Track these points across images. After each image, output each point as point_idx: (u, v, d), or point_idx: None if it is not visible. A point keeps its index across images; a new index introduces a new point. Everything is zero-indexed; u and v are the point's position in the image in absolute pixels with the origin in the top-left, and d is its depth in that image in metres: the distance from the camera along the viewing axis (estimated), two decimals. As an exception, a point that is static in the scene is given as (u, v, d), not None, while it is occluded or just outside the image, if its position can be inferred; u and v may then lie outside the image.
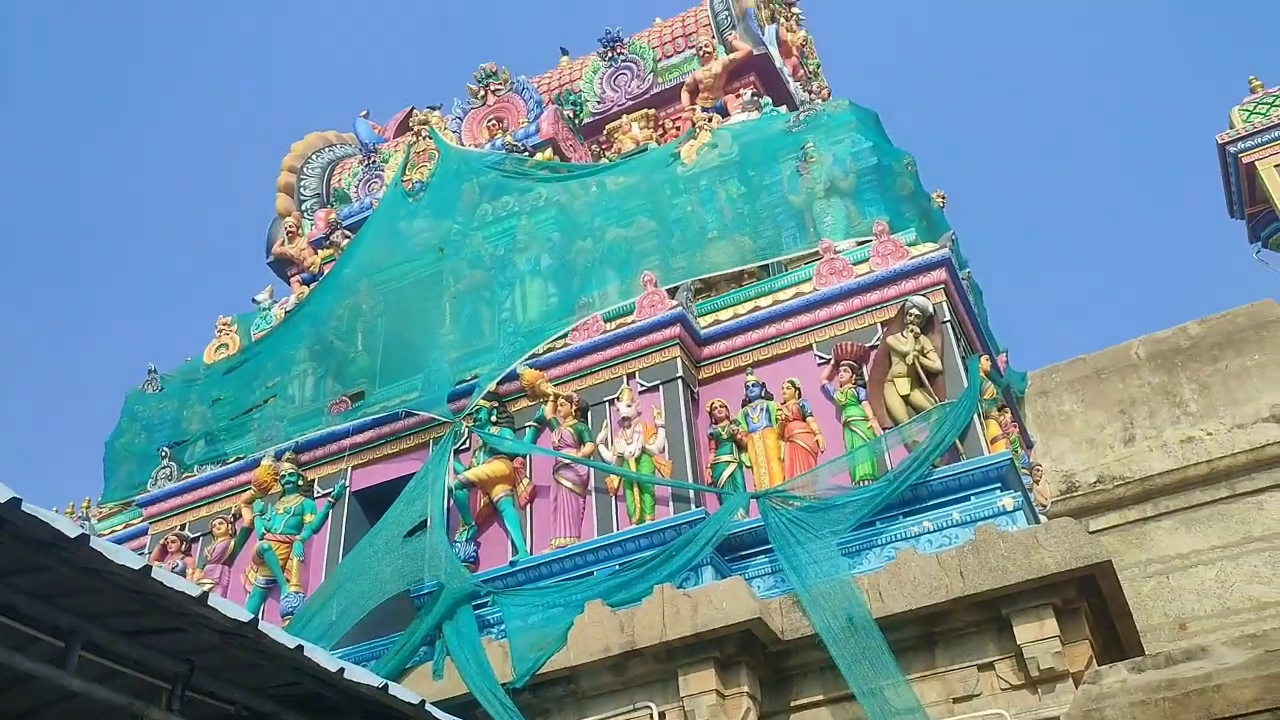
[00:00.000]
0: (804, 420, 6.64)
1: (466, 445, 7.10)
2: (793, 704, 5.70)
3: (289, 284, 9.48)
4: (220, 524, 7.73)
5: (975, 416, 6.34)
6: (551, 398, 6.98)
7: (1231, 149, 8.83)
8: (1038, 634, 5.31)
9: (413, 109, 9.95)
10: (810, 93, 9.95)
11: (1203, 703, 3.92)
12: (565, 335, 7.27)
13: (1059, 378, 8.69)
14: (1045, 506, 7.62)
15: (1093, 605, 5.55)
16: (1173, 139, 23.64)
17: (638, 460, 6.59)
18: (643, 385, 6.86)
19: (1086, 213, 27.12)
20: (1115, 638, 5.86)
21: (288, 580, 7.24)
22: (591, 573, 6.25)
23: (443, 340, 7.69)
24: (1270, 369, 7.91)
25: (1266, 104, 8.84)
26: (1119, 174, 27.10)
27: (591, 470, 6.69)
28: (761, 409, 6.77)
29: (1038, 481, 7.80)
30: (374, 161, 9.85)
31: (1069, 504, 7.86)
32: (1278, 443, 7.48)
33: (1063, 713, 4.46)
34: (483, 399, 7.09)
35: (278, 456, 7.71)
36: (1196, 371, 8.18)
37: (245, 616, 3.81)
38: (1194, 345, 8.33)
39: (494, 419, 7.07)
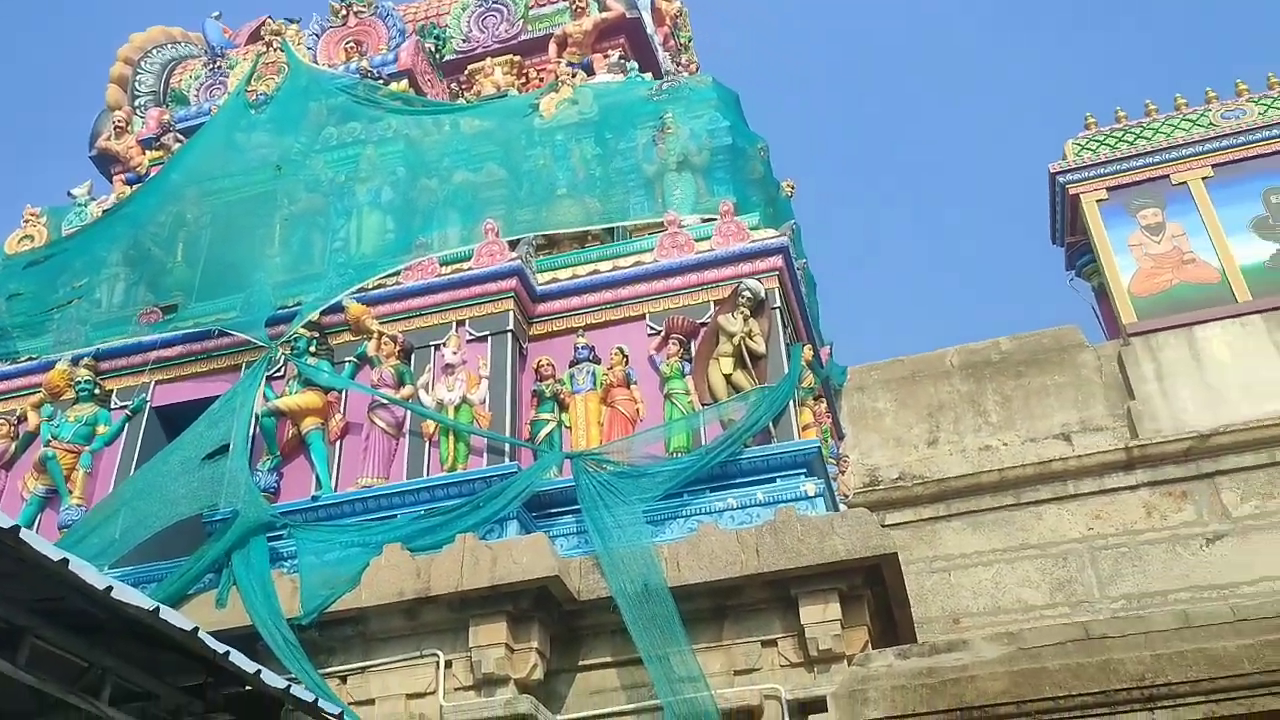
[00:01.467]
0: (628, 388, 6.69)
1: (281, 373, 6.86)
2: (580, 663, 5.76)
3: (110, 182, 8.92)
4: (1, 425, 7.25)
5: (791, 403, 6.52)
6: (375, 335, 6.80)
7: (1060, 179, 9.32)
8: (821, 616, 5.51)
9: (268, 18, 9.45)
10: (678, 65, 9.97)
11: (956, 691, 4.17)
12: (398, 273, 7.09)
13: (877, 376, 9.04)
14: (847, 496, 7.93)
15: (875, 593, 5.80)
16: (1020, 163, 24.82)
17: (457, 409, 6.51)
18: (471, 334, 6.77)
19: (928, 223, 28.27)
20: (893, 626, 6.14)
21: (70, 492, 6.85)
22: (395, 516, 6.16)
23: (268, 262, 7.38)
24: (1066, 390, 8.44)
25: (1097, 141, 9.37)
26: (967, 189, 28.32)
27: (408, 413, 6.57)
28: (588, 372, 6.79)
29: (844, 472, 8.10)
30: (219, 67, 9.33)
31: (870, 496, 8.20)
32: (1063, 459, 7.98)
33: (830, 691, 4.65)
34: (303, 327, 6.86)
35: (75, 361, 7.28)
36: (1001, 385, 8.64)
37: (6, 523, 3.57)
38: (1003, 360, 8.80)
39: (313, 349, 6.85)
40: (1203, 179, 8.94)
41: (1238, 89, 9.35)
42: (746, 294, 6.68)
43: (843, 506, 7.14)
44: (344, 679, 5.67)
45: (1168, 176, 9.06)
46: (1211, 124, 9.14)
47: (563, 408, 6.70)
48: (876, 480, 8.46)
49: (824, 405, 7.77)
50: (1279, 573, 7.21)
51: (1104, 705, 4.08)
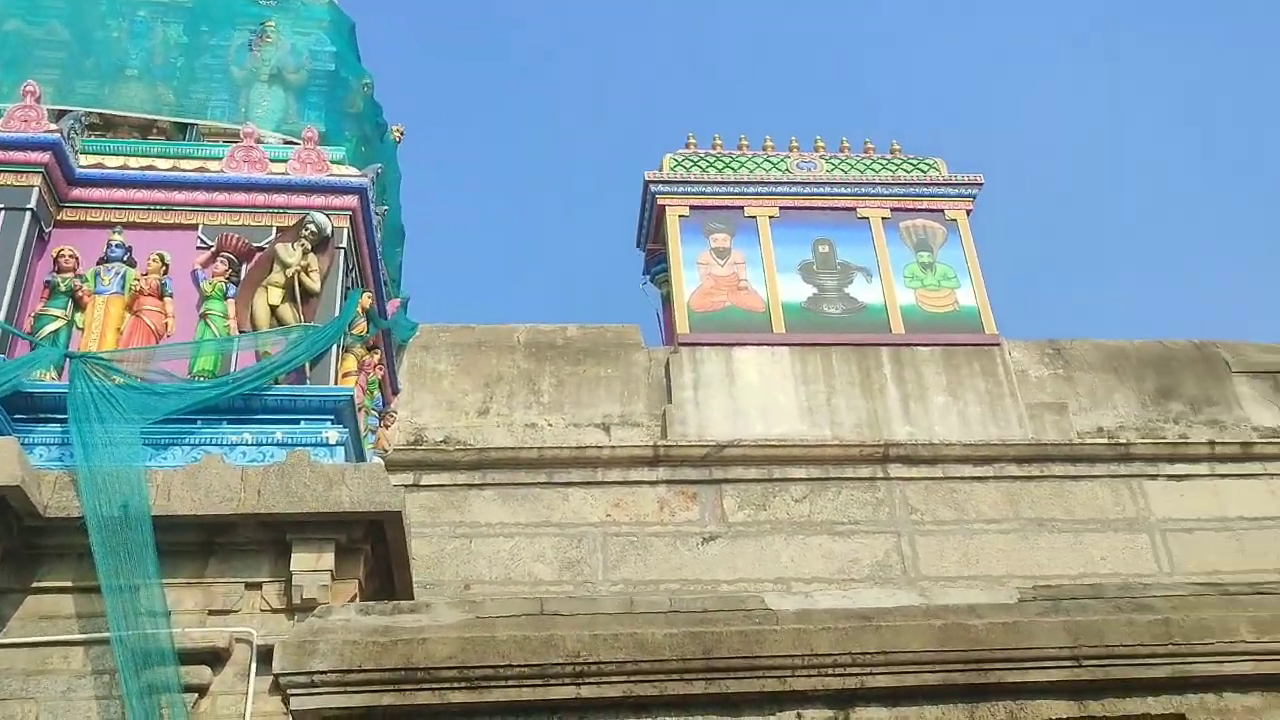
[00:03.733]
0: (161, 299, 6.19)
1: None
2: (35, 584, 5.24)
3: None
4: None
5: (335, 347, 6.36)
6: None
7: (653, 188, 9.87)
8: (313, 565, 5.39)
9: None
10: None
11: (406, 651, 4.24)
12: (-99, 118, 6.09)
13: (445, 338, 9.07)
14: (386, 451, 7.86)
15: (377, 550, 5.78)
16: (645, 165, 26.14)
17: (-56, 284, 5.69)
18: (-16, 204, 5.95)
19: (544, 205, 28.94)
20: (392, 585, 6.16)
21: None
22: None
23: None
24: (615, 384, 8.94)
25: (691, 161, 10.02)
26: (593, 179, 29.27)
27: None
28: (118, 273, 6.20)
29: (387, 427, 8.04)
30: None
31: (410, 455, 8.20)
32: (598, 447, 8.43)
33: (281, 639, 4.56)
34: None
35: None
36: (560, 368, 8.99)
37: None
38: (567, 345, 9.16)
39: None
40: (769, 217, 9.83)
41: (816, 144, 10.37)
42: (312, 227, 6.41)
43: (376, 459, 7.07)
44: None
45: (742, 208, 9.87)
46: (787, 170, 10.07)
47: (79, 306, 6.07)
48: (421, 440, 8.48)
49: (378, 357, 7.67)
50: (753, 575, 8.08)
51: (539, 677, 4.32)
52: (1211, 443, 9.05)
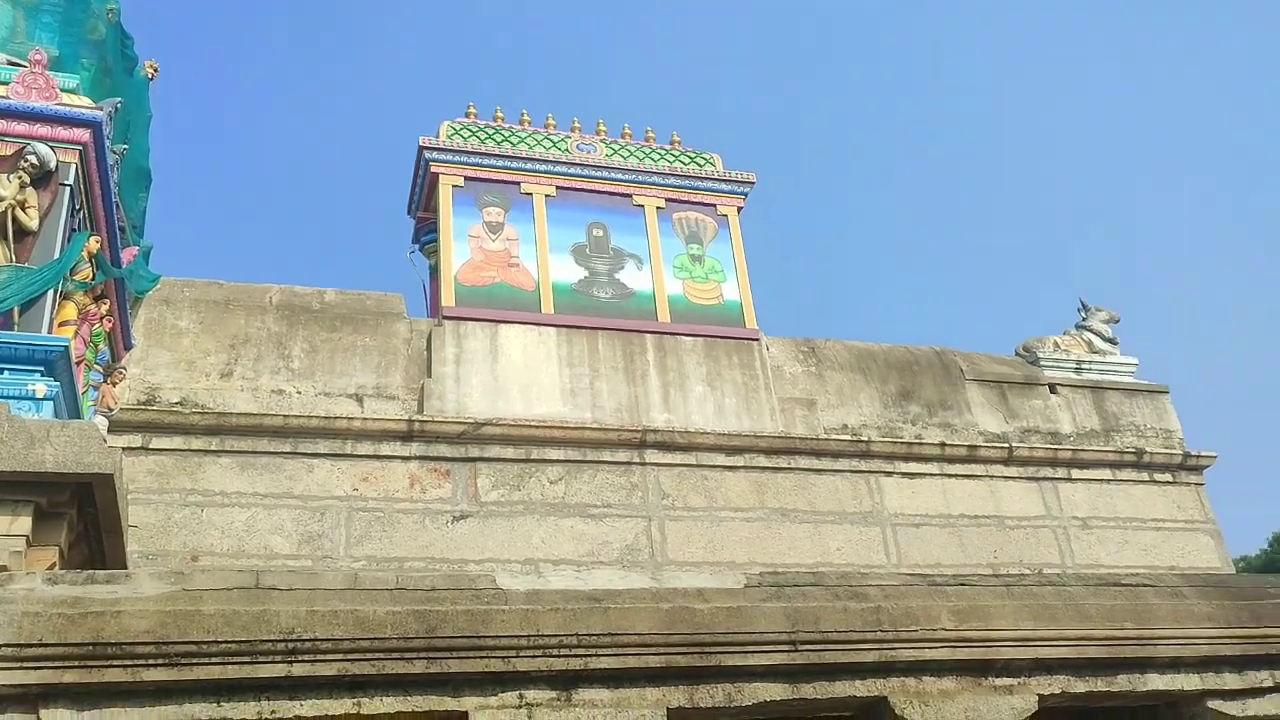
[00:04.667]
0: None
1: None
2: None
3: None
4: None
5: (52, 293, 5.80)
6: None
7: (428, 154, 9.59)
8: (5, 528, 4.92)
9: None
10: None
11: (96, 625, 3.88)
12: None
13: (189, 293, 8.49)
14: (112, 410, 7.27)
15: (85, 515, 5.33)
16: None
17: None
18: None
19: (313, 167, 27.85)
20: (102, 554, 5.70)
21: None
22: None
23: None
24: (372, 354, 8.63)
25: (469, 130, 9.80)
26: (358, 145, 28.35)
27: None
28: None
29: (115, 384, 7.43)
30: None
31: (140, 415, 7.63)
32: (349, 418, 8.11)
33: (-54, 609, 4.10)
34: None
35: None
36: (314, 334, 8.59)
37: None
38: (324, 310, 8.76)
39: None
40: (546, 196, 9.76)
41: (598, 127, 10.37)
42: (32, 158, 5.82)
43: (98, 418, 6.53)
44: None
45: (519, 184, 9.75)
46: (567, 150, 10.02)
47: None
48: (154, 400, 7.90)
49: (107, 307, 7.06)
50: (503, 555, 8.00)
51: (248, 654, 4.05)
52: (942, 444, 9.67)
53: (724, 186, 10.40)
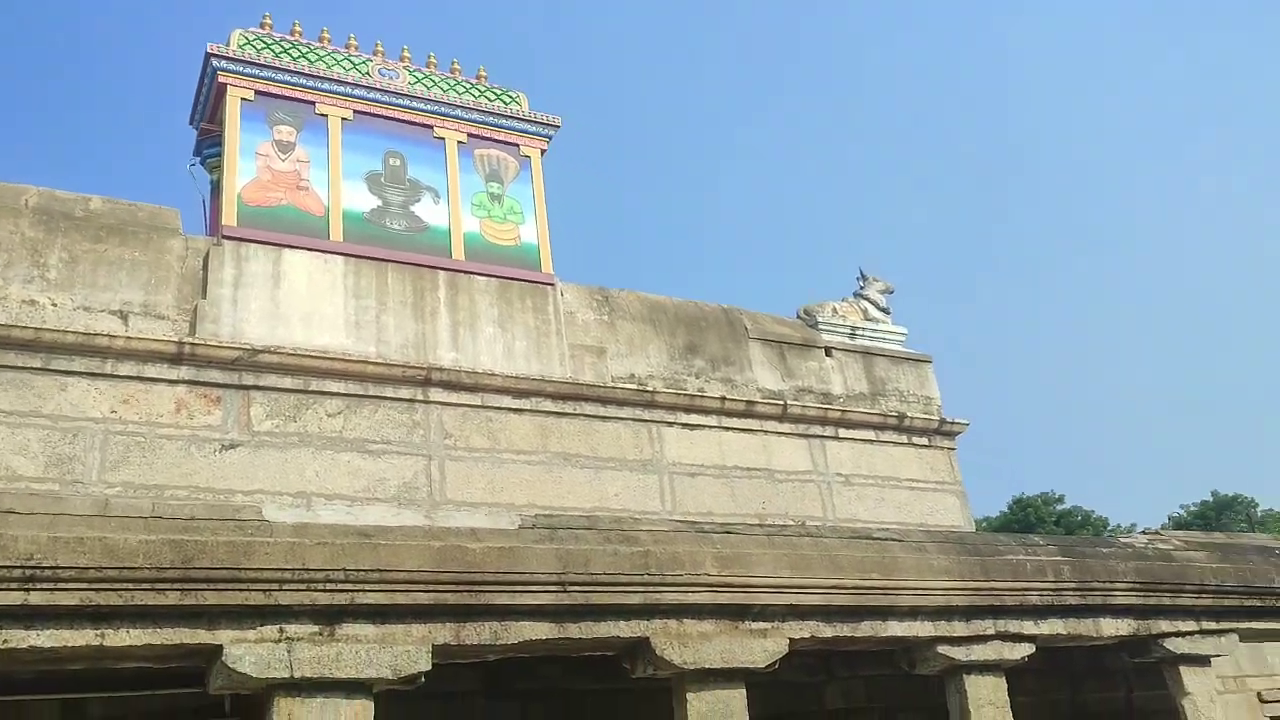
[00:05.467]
0: None
1: None
2: None
3: None
4: None
5: None
6: None
7: (215, 63, 9.00)
8: None
9: None
10: None
11: None
12: None
13: (-69, 187, 7.68)
14: None
15: None
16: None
17: None
18: None
19: (91, 68, 25.71)
20: None
21: None
22: None
23: None
24: (142, 269, 8.09)
25: (263, 42, 9.25)
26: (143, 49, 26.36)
27: None
28: None
29: None
30: None
31: None
32: (111, 336, 7.59)
33: None
34: None
35: None
36: (76, 244, 7.96)
37: None
38: (88, 218, 8.13)
39: None
40: (342, 119, 9.37)
41: (402, 53, 10.02)
42: None
43: None
44: None
45: (314, 104, 9.30)
46: (368, 73, 9.64)
47: None
48: (-119, 303, 7.14)
49: None
50: (274, 488, 7.73)
51: (-24, 581, 3.78)
52: (723, 398, 10.00)
53: (529, 127, 10.28)
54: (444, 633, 4.64)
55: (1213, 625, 7.07)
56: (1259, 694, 9.28)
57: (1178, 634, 6.92)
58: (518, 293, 9.51)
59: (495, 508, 8.30)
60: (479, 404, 8.84)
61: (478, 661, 5.29)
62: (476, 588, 4.62)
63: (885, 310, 12.03)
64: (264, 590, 4.29)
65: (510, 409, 8.97)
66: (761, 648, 5.32)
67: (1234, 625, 7.21)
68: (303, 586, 4.35)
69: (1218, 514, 38.86)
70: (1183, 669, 6.95)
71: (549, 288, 9.71)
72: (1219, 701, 7.08)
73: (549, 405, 9.16)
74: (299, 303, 8.52)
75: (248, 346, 8.02)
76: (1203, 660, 7.04)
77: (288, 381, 8.14)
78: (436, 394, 8.68)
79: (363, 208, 9.21)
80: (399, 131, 9.64)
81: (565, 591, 4.80)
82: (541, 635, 4.82)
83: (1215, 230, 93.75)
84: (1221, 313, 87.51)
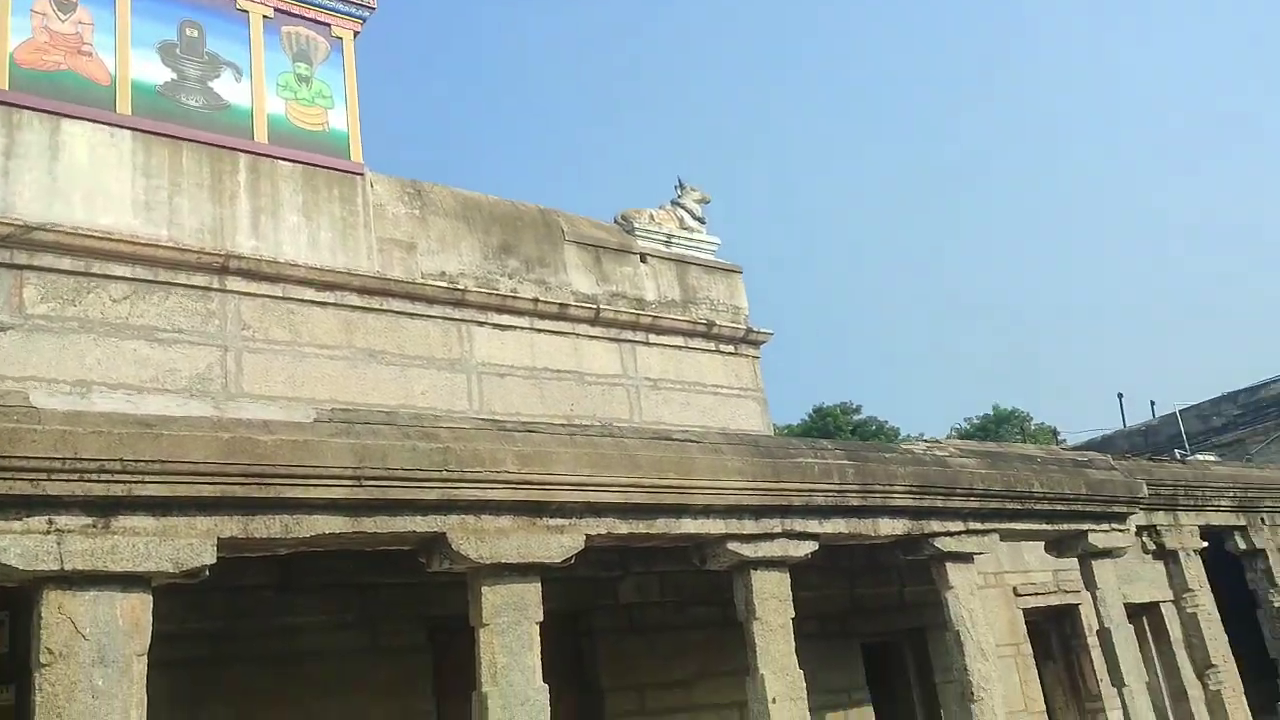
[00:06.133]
0: None
1: None
2: None
3: None
4: None
5: None
6: None
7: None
8: None
9: None
10: None
11: None
12: None
13: None
14: None
15: None
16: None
17: None
18: None
19: None
20: None
21: None
22: None
23: None
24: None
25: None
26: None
27: None
28: None
29: None
30: None
31: None
32: None
33: None
34: None
35: None
36: None
37: None
38: None
39: None
40: (133, -19, 8.62)
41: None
42: None
43: None
44: None
45: (101, -38, 8.52)
46: (162, -68, 8.87)
47: None
48: None
49: None
50: (48, 374, 7.25)
51: None
52: (536, 300, 9.97)
53: (341, 6, 9.74)
54: (231, 525, 4.51)
55: (978, 526, 7.66)
56: (1014, 588, 10.19)
57: (947, 534, 7.46)
58: (324, 181, 9.12)
59: (295, 403, 8.06)
60: (280, 295, 8.50)
61: (269, 555, 5.18)
62: (267, 480, 4.50)
63: (701, 220, 12.21)
64: (30, 480, 4.05)
65: (314, 302, 8.67)
66: (558, 543, 5.42)
67: (996, 526, 7.84)
68: (74, 477, 4.12)
69: (997, 426, 41.89)
70: (948, 565, 7.52)
71: (358, 178, 9.36)
72: (979, 595, 7.72)
73: (355, 300, 8.90)
74: (81, 178, 7.90)
75: (20, 223, 7.41)
76: (967, 558, 7.63)
77: (66, 262, 7.59)
78: (235, 283, 8.28)
79: (155, 80, 8.56)
80: (197, 1, 8.96)
81: (361, 486, 4.73)
82: (335, 529, 4.75)
83: (1023, 145, 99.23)
84: (1023, 232, 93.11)
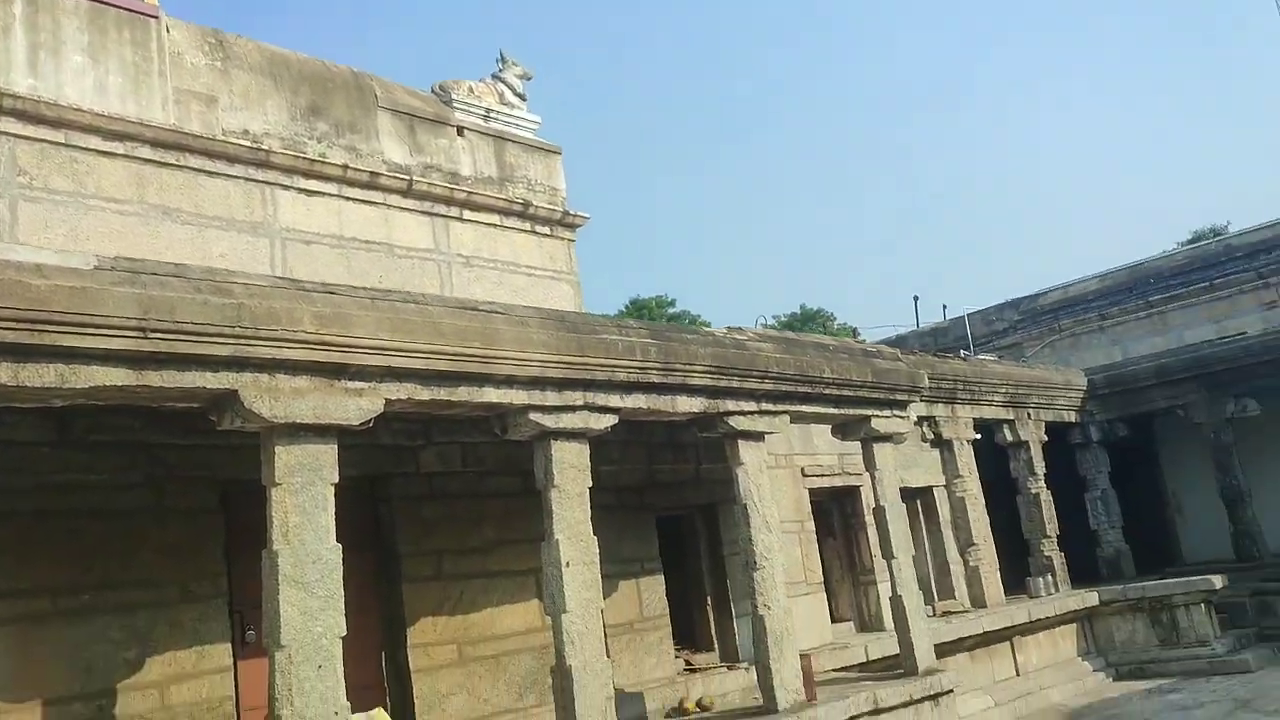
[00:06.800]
0: None
1: None
2: None
3: None
4: None
5: None
6: None
7: None
8: None
9: None
10: None
11: None
12: None
13: None
14: None
15: None
16: None
17: None
18: None
19: None
20: None
21: None
22: None
23: None
24: None
25: None
26: None
27: None
28: None
29: None
30: None
31: None
32: None
33: None
34: None
35: None
36: None
37: None
38: None
39: None
40: None
41: None
42: None
43: None
44: None
45: None
46: None
47: None
48: None
49: None
50: None
51: None
52: (345, 166, 9.64)
53: None
54: (1, 373, 4.27)
55: (770, 407, 8.06)
56: (802, 469, 10.79)
57: (741, 413, 7.82)
58: (114, 20, 8.45)
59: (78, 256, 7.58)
60: (62, 141, 7.90)
61: (44, 407, 4.95)
62: (39, 327, 4.26)
63: (522, 96, 12.00)
64: None
65: (100, 151, 8.10)
66: (356, 406, 5.38)
67: (787, 408, 8.26)
68: None
69: (803, 324, 43.57)
70: (741, 443, 7.90)
71: (153, 20, 8.71)
72: (768, 473, 8.16)
73: (147, 152, 8.38)
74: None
75: None
76: (758, 436, 8.03)
77: None
78: (9, 124, 7.64)
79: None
80: None
81: (146, 338, 4.55)
82: (117, 381, 4.57)
83: (850, 49, 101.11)
84: (852, 136, 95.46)
